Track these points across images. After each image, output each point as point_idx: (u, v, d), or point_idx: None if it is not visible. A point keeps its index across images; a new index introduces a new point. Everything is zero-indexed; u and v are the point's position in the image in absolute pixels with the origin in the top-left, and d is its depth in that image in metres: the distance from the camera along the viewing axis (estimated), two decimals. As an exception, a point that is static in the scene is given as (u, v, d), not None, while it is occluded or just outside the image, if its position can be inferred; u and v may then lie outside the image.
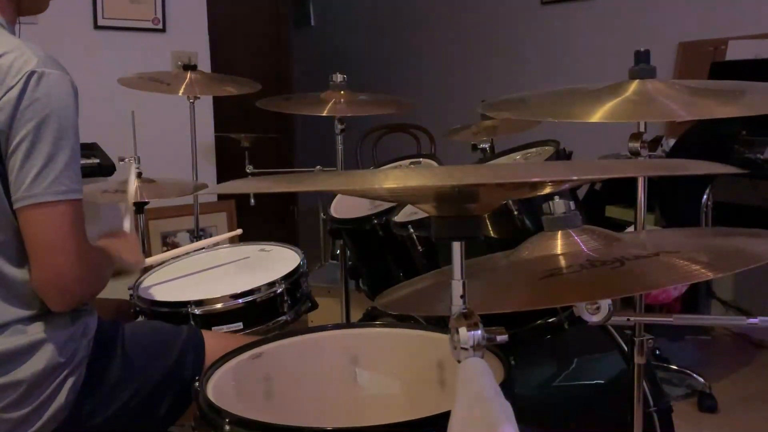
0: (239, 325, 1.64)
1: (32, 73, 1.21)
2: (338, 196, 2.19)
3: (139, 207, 2.18)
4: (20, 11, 1.38)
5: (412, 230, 1.65)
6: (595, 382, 1.65)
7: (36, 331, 1.26)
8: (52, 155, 1.21)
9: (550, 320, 1.45)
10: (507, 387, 0.99)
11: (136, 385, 1.36)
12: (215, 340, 1.47)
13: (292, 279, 1.74)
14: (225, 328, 1.62)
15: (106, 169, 3.00)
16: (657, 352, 2.81)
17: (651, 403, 1.54)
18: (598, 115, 1.16)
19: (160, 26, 3.42)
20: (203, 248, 2.03)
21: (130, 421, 1.36)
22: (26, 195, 1.20)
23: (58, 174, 1.21)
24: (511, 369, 1.05)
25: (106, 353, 1.35)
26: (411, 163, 2.17)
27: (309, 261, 1.86)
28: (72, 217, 1.23)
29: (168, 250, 3.43)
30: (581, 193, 3.18)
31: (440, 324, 1.24)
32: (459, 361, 0.77)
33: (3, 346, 1.23)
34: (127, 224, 1.71)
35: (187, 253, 1.97)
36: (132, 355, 1.38)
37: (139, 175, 2.18)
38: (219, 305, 1.63)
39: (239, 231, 2.03)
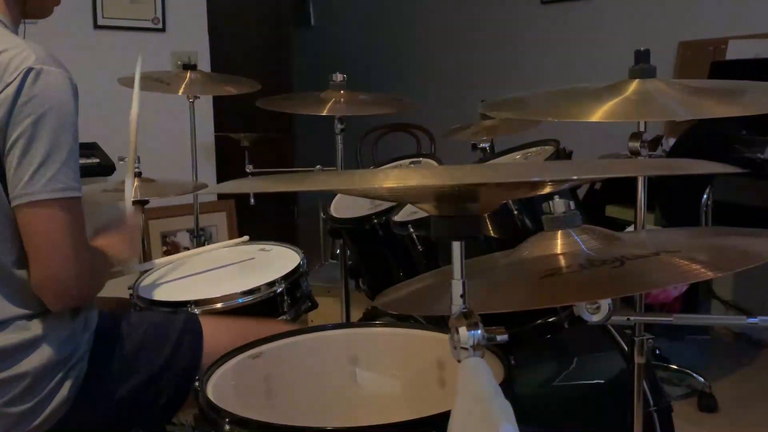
0: (239, 325, 1.64)
1: (30, 69, 1.20)
2: (338, 196, 2.19)
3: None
4: (24, 14, 1.38)
5: (412, 230, 1.65)
6: (595, 381, 1.65)
7: (38, 326, 1.26)
8: (49, 152, 1.20)
9: (549, 320, 1.45)
10: (507, 387, 0.99)
11: (137, 377, 1.36)
12: (213, 326, 1.48)
13: (292, 279, 1.73)
14: (225, 327, 1.62)
15: (105, 168, 3.00)
16: (657, 352, 2.81)
17: (651, 402, 1.54)
18: (598, 115, 1.16)
19: (160, 26, 3.42)
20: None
21: (131, 412, 1.36)
22: (23, 193, 1.20)
23: (56, 172, 1.20)
24: (511, 369, 1.05)
25: (107, 347, 1.35)
26: (411, 162, 2.17)
27: (309, 260, 1.86)
28: (70, 215, 1.22)
29: (168, 249, 3.45)
30: (581, 193, 3.18)
31: (440, 324, 1.24)
32: (459, 361, 0.77)
33: (5, 342, 1.23)
34: (128, 195, 1.63)
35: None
36: (131, 348, 1.38)
37: (139, 174, 2.18)
38: (219, 305, 1.63)
39: (246, 238, 2.00)
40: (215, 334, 1.44)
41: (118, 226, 1.58)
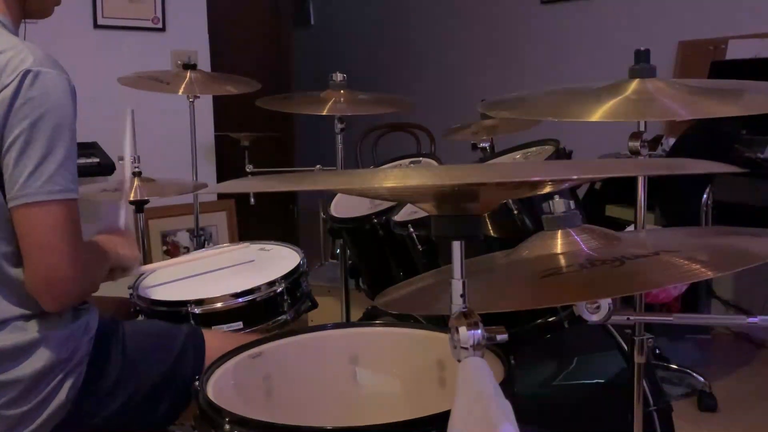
0: (239, 325, 1.64)
1: (27, 71, 1.20)
2: (338, 196, 2.19)
3: (139, 206, 2.18)
4: (25, 14, 1.38)
5: (412, 229, 1.65)
6: (595, 381, 1.65)
7: (36, 328, 1.26)
8: (46, 154, 1.20)
9: (550, 319, 1.45)
10: (507, 386, 0.99)
11: (136, 384, 1.36)
12: (215, 339, 1.47)
13: (292, 278, 1.73)
14: (225, 327, 1.62)
15: (105, 168, 3.00)
16: (657, 352, 2.81)
17: (651, 402, 1.54)
18: (598, 115, 1.16)
19: (159, 25, 3.42)
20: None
21: (130, 419, 1.36)
22: (20, 194, 1.19)
23: (53, 173, 1.20)
24: (511, 368, 1.05)
25: (107, 352, 1.35)
26: (411, 162, 2.17)
27: (309, 260, 1.86)
28: (66, 216, 1.22)
29: (168, 249, 3.45)
30: (581, 193, 3.18)
31: (440, 323, 1.24)
32: (459, 361, 0.77)
33: (2, 344, 1.23)
34: (122, 220, 1.68)
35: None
36: (132, 354, 1.38)
37: (138, 174, 2.18)
38: (219, 304, 1.63)
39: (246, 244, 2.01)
40: (217, 347, 1.43)
41: (116, 229, 1.59)
